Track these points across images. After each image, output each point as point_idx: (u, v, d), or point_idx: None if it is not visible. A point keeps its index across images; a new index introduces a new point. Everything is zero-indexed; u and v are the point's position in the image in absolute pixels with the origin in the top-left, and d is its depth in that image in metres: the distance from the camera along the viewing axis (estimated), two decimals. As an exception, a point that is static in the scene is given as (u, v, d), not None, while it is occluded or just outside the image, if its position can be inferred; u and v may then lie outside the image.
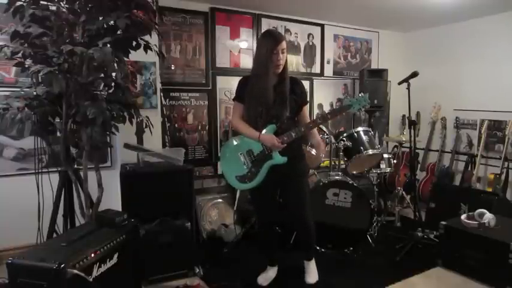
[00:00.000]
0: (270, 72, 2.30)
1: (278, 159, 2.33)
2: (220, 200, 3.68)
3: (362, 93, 2.32)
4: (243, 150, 2.45)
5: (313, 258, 2.71)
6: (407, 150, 3.57)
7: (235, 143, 2.52)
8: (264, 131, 2.33)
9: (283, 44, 2.28)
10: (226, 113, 4.02)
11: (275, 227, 2.75)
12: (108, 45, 2.03)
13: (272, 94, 2.33)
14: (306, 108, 2.51)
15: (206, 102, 3.89)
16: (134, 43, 2.26)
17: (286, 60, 2.36)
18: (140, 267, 2.19)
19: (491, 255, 2.56)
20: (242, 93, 2.41)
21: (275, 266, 2.73)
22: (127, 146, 2.90)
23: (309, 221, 2.56)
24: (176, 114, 3.74)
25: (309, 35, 4.46)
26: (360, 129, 3.41)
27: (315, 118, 2.38)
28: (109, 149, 3.16)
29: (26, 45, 2.03)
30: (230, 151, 2.52)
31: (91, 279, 1.68)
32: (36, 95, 2.17)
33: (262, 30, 4.11)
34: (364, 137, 3.37)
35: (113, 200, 2.72)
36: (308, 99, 2.56)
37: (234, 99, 2.51)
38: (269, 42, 2.27)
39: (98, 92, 2.29)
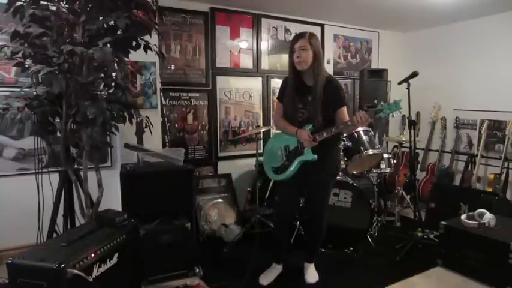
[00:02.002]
0: (292, 76, 2.45)
1: (308, 155, 2.43)
2: (220, 200, 3.68)
3: (396, 99, 2.26)
4: (282, 144, 2.59)
5: (313, 263, 2.74)
6: (407, 150, 3.57)
7: (277, 137, 2.69)
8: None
9: (300, 42, 2.36)
10: (226, 113, 4.02)
11: (290, 223, 2.86)
12: (108, 45, 2.03)
13: (296, 97, 2.47)
14: (342, 110, 2.42)
15: (206, 102, 3.89)
16: (134, 43, 2.26)
17: (317, 61, 2.37)
18: (140, 267, 2.19)
19: (491, 255, 2.56)
20: (281, 94, 2.60)
21: (280, 264, 2.75)
22: (127, 146, 2.90)
23: (324, 221, 2.65)
24: (176, 114, 3.74)
25: (309, 35, 4.46)
26: (359, 129, 3.40)
27: (346, 120, 2.35)
28: (109, 149, 3.15)
29: (26, 45, 2.03)
30: (272, 144, 2.68)
31: (91, 279, 1.68)
32: (36, 95, 2.17)
33: (262, 30, 4.12)
34: (364, 137, 3.36)
35: (113, 200, 2.72)
36: (344, 100, 2.49)
37: (277, 98, 2.68)
38: (291, 43, 2.43)
39: (98, 92, 2.29)
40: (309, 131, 2.40)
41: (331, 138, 2.41)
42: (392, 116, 2.31)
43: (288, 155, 2.54)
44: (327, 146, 2.46)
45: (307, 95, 2.45)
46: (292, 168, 2.49)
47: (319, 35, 4.50)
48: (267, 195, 3.67)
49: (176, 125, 3.75)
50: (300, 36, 2.39)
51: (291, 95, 2.48)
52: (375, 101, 4.30)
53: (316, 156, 2.41)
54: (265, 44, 4.16)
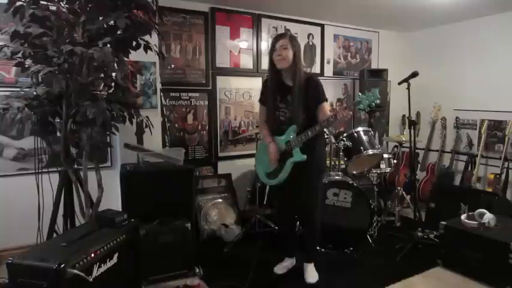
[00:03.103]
0: (273, 75, 2.48)
1: (298, 156, 2.46)
2: (220, 200, 3.68)
3: (372, 89, 2.30)
4: None
5: (313, 261, 2.74)
6: (407, 150, 3.57)
7: (265, 142, 2.69)
8: (284, 136, 2.52)
9: (282, 41, 2.42)
10: (226, 113, 4.02)
11: (293, 221, 2.93)
12: (108, 45, 2.03)
13: (277, 96, 2.52)
14: (323, 105, 2.48)
15: (206, 102, 3.89)
16: (134, 43, 2.26)
17: (297, 61, 2.44)
18: (140, 267, 2.19)
19: (491, 255, 2.56)
20: (263, 96, 2.66)
21: (292, 257, 2.87)
22: (127, 146, 2.90)
23: (318, 217, 2.67)
24: (176, 114, 3.74)
25: (309, 35, 4.46)
26: (360, 129, 3.40)
27: (327, 117, 2.39)
28: (109, 149, 3.15)
29: (26, 45, 2.03)
30: (262, 150, 2.69)
31: (91, 279, 1.68)
32: (36, 95, 2.17)
33: (262, 30, 4.12)
34: (364, 137, 3.36)
35: (113, 200, 2.72)
36: (325, 95, 2.54)
37: (259, 101, 2.74)
38: (271, 43, 2.48)
39: (98, 92, 2.29)
40: (294, 132, 2.46)
41: (317, 135, 2.47)
42: (372, 105, 2.31)
43: (278, 159, 2.55)
44: (313, 144, 2.52)
45: (287, 94, 2.49)
46: (285, 170, 2.52)
47: (319, 35, 4.53)
48: (265, 198, 3.65)
49: (176, 125, 3.75)
50: (281, 36, 2.48)
51: (273, 95, 2.53)
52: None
53: (305, 156, 2.45)
54: (265, 44, 4.16)
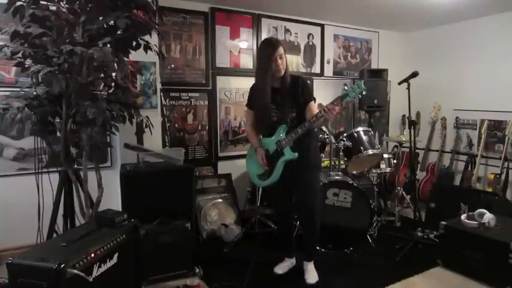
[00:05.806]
0: (268, 79, 2.44)
1: (289, 155, 2.49)
2: (220, 200, 3.68)
3: (358, 82, 2.35)
4: None
5: (313, 260, 2.74)
6: (407, 150, 3.57)
7: None
8: (274, 136, 2.55)
9: (280, 50, 2.41)
10: (226, 113, 4.02)
11: (292, 221, 2.95)
12: (108, 45, 2.03)
13: (270, 99, 2.50)
14: (312, 104, 2.54)
15: (206, 102, 3.89)
16: (134, 43, 2.26)
17: (286, 64, 2.49)
18: (140, 267, 2.19)
19: (491, 255, 2.56)
20: (250, 101, 2.66)
21: (292, 257, 2.88)
22: (127, 146, 2.90)
23: (316, 213, 2.65)
24: (176, 114, 3.74)
25: (309, 35, 4.46)
26: (359, 129, 3.41)
27: (315, 114, 2.42)
28: (109, 149, 3.15)
29: (26, 45, 2.03)
30: (251, 152, 2.71)
31: (91, 279, 1.68)
32: (36, 95, 2.18)
33: (262, 30, 4.12)
34: (364, 137, 3.37)
35: (113, 200, 2.72)
36: (312, 95, 2.61)
37: (246, 106, 2.72)
38: (267, 50, 2.43)
39: (98, 92, 2.29)
40: (284, 131, 2.51)
41: (308, 134, 2.50)
42: (359, 96, 2.34)
43: (269, 161, 2.57)
44: (308, 143, 2.56)
45: (276, 95, 2.53)
46: (277, 170, 2.54)
47: (319, 35, 4.53)
48: (259, 199, 3.64)
49: (176, 125, 3.75)
50: (276, 44, 2.42)
51: (266, 97, 2.50)
52: (375, 101, 4.30)
53: (296, 154, 2.48)
54: (265, 44, 4.15)
